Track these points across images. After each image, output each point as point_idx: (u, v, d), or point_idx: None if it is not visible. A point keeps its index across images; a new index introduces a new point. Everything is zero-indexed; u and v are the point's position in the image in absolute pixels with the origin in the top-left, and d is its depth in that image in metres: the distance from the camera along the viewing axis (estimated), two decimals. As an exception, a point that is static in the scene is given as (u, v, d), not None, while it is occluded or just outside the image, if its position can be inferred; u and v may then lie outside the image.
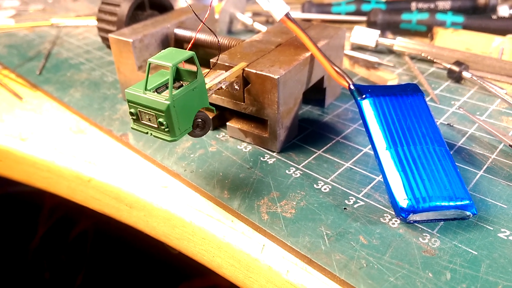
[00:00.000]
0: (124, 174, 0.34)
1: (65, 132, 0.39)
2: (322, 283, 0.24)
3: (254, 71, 0.31)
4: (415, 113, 0.31)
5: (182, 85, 0.27)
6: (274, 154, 0.34)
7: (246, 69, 0.32)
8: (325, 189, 0.30)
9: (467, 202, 0.26)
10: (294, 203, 0.29)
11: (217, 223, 0.29)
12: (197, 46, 0.42)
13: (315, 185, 0.30)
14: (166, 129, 0.25)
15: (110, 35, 0.39)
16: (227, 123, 0.36)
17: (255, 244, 0.27)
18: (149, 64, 0.26)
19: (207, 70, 0.32)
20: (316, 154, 0.34)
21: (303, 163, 0.33)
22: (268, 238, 0.27)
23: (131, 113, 0.26)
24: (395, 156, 0.28)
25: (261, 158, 0.33)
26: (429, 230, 0.26)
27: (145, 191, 0.32)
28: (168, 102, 0.24)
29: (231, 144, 0.35)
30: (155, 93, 0.26)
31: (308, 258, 0.25)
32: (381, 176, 0.31)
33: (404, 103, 0.31)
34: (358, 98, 0.31)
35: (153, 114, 0.25)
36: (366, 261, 0.24)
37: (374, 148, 0.29)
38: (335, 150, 0.34)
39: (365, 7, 0.60)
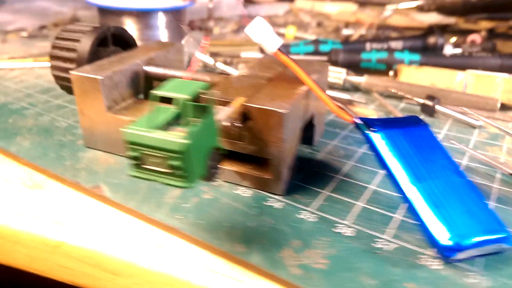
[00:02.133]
0: (104, 234, 0.28)
1: (17, 188, 0.32)
2: None
3: (256, 106, 0.28)
4: (427, 145, 0.29)
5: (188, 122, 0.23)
6: (277, 197, 0.30)
7: (246, 104, 0.29)
8: (345, 232, 0.27)
9: (506, 234, 0.24)
10: (320, 252, 0.25)
11: (236, 284, 0.24)
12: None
13: (334, 229, 0.27)
14: (181, 174, 0.21)
15: (72, 72, 0.34)
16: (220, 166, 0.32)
17: (287, 305, 0.23)
18: (155, 97, 0.22)
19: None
20: (323, 194, 0.31)
21: (313, 205, 0.29)
22: (300, 296, 0.23)
23: (132, 157, 0.22)
24: (422, 191, 0.26)
25: (265, 203, 0.30)
26: (471, 268, 0.24)
27: (135, 253, 0.26)
28: (186, 141, 0.20)
29: (226, 189, 0.31)
30: (164, 131, 0.21)
31: (356, 316, 0.21)
32: (399, 213, 0.29)
33: (413, 135, 0.30)
34: (367, 132, 0.29)
35: (163, 156, 0.21)
36: (422, 312, 0.21)
37: (396, 183, 0.27)
38: (340, 189, 0.31)
39: (323, 47, 0.60)
